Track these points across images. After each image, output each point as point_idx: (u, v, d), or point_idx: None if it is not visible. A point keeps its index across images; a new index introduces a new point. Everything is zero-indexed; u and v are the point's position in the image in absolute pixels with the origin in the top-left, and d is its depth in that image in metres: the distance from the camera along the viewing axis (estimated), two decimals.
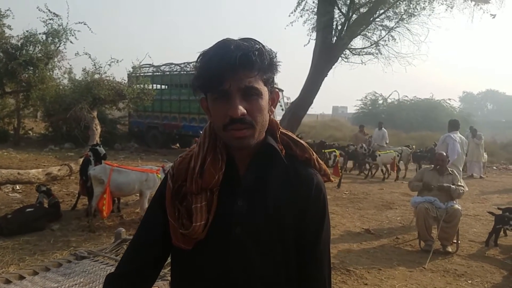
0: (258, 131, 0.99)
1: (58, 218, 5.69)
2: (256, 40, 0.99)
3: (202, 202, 1.00)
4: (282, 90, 15.77)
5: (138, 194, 6.08)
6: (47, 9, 11.02)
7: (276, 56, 1.02)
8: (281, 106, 14.45)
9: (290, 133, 1.15)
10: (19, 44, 11.07)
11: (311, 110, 14.87)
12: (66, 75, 13.03)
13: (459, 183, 5.46)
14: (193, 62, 15.31)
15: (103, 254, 3.05)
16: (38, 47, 11.14)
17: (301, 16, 9.87)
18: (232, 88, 0.94)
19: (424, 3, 9.05)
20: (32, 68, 11.12)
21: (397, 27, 9.56)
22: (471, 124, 17.40)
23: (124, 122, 18.31)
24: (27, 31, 11.13)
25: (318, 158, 1.16)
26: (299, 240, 1.06)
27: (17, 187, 7.52)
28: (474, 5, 9.09)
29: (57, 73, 12.54)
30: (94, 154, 6.23)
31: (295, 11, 9.83)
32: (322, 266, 1.11)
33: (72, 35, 11.51)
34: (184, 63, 16.05)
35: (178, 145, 17.64)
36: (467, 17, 9.34)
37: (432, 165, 5.84)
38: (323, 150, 9.64)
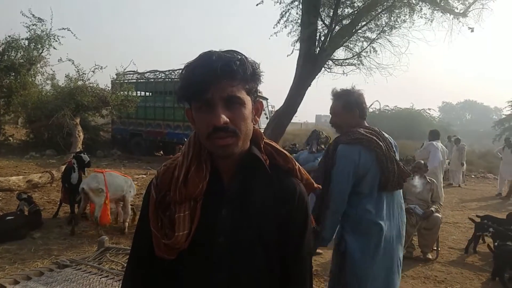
0: (242, 139, 1.00)
1: (39, 226, 5.60)
2: (238, 52, 1.00)
3: (185, 211, 1.01)
4: (266, 99, 15.86)
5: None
6: (31, 14, 10.93)
7: (259, 67, 1.03)
8: (265, 114, 14.53)
9: (273, 143, 1.17)
10: (0, 49, 10.92)
11: (295, 119, 14.95)
12: (48, 81, 12.90)
13: (438, 194, 5.60)
14: (178, 69, 15.33)
15: (85, 263, 3.03)
16: (20, 53, 11.04)
17: (285, 27, 10.00)
18: (214, 97, 0.95)
19: (404, 16, 9.26)
20: (13, 73, 11.01)
21: (378, 38, 9.74)
22: (450, 134, 17.80)
23: (107, 129, 18.09)
24: (9, 36, 11.02)
25: (301, 168, 1.18)
26: (282, 249, 1.08)
27: None
28: (452, 19, 9.36)
29: (40, 79, 12.42)
30: (78, 162, 6.17)
31: (278, 22, 9.97)
32: (304, 273, 1.13)
33: (56, 41, 11.44)
34: (169, 70, 16.02)
35: (161, 152, 17.53)
36: (446, 30, 9.54)
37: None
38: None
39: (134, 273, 1.15)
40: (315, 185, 1.23)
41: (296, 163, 1.18)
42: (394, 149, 2.42)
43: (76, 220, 5.65)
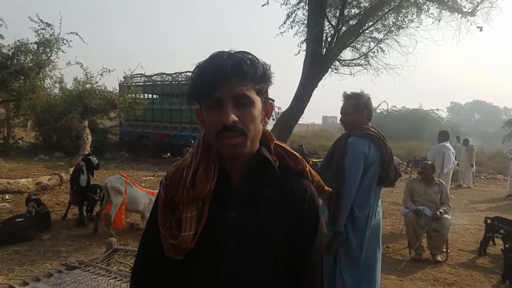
0: (250, 139, 0.99)
1: (48, 228, 5.64)
2: (249, 52, 1.00)
3: (192, 212, 1.00)
4: (273, 100, 15.86)
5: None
6: (39, 19, 11.04)
7: (269, 68, 1.03)
8: (272, 116, 14.51)
9: (283, 144, 1.15)
10: (10, 53, 11.06)
11: (302, 120, 14.95)
12: (57, 85, 12.96)
13: (447, 195, 5.55)
14: (184, 72, 15.40)
15: (94, 264, 3.03)
16: (29, 57, 11.14)
17: (292, 27, 10.03)
18: (224, 96, 0.95)
19: (412, 16, 9.24)
20: (23, 77, 11.11)
21: (385, 39, 9.73)
22: (458, 134, 17.67)
23: (115, 132, 18.21)
24: (18, 40, 11.14)
25: (311, 169, 1.16)
26: (291, 251, 1.06)
27: (7, 197, 7.44)
28: (460, 18, 9.31)
29: (48, 83, 12.51)
30: (86, 164, 6.21)
31: (285, 23, 9.99)
32: (315, 276, 1.11)
33: (64, 44, 11.52)
34: (176, 73, 16.09)
35: (169, 154, 17.61)
36: (455, 30, 9.48)
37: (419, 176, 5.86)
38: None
39: (142, 273, 1.14)
40: (326, 187, 1.20)
41: (307, 164, 1.16)
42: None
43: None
